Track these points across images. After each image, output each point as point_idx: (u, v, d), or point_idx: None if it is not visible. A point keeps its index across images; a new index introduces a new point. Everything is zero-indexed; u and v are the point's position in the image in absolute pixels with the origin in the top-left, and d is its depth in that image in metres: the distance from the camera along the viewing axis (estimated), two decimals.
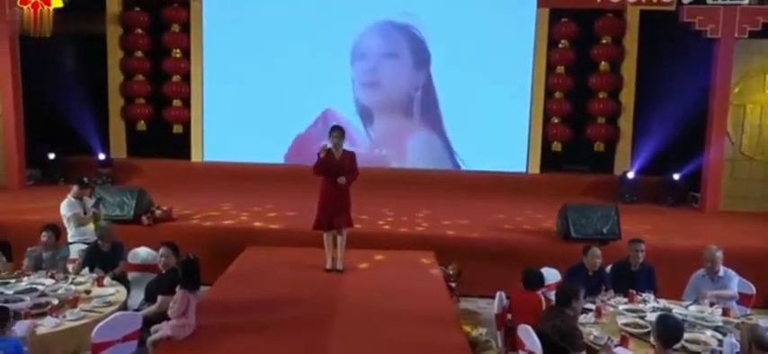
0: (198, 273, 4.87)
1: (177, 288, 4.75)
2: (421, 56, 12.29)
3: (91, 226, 6.82)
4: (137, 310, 5.19)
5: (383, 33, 12.30)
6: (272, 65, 12.10)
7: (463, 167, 12.40)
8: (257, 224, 8.40)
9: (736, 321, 4.92)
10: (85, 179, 7.27)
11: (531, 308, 4.84)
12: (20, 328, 4.23)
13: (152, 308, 5.11)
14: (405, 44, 12.30)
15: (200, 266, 4.93)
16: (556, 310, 4.52)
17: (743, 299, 5.71)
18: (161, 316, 4.91)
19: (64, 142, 11.92)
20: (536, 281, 5.21)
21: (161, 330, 4.71)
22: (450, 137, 12.37)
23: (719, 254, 5.66)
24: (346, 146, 6.67)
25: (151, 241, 6.59)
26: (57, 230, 6.18)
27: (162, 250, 5.45)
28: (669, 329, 3.95)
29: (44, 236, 6.02)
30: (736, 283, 5.65)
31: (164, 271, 5.40)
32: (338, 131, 6.49)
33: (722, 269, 5.67)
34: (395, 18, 12.23)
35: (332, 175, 6.44)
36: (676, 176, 11.22)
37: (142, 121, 12.78)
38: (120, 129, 12.77)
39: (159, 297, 5.12)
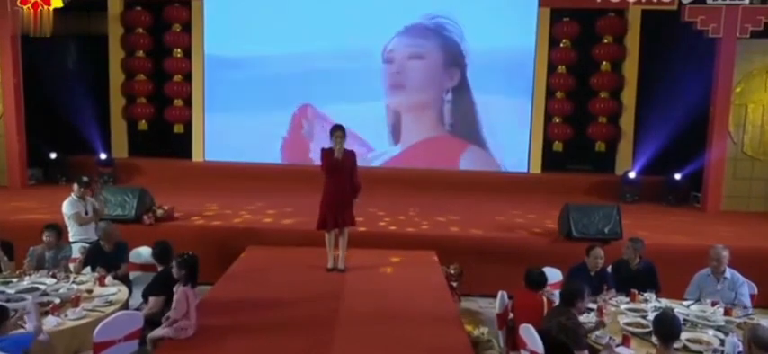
0: (196, 269, 4.87)
1: (176, 288, 4.75)
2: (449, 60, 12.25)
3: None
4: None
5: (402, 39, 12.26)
6: (274, 64, 12.10)
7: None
8: (259, 223, 8.40)
9: (737, 320, 4.92)
10: (85, 178, 7.27)
11: (533, 308, 4.84)
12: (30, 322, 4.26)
13: (143, 310, 5.10)
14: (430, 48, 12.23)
15: (197, 263, 4.94)
16: (561, 308, 4.52)
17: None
18: (154, 317, 4.93)
19: (65, 142, 11.93)
20: (539, 281, 5.20)
21: (163, 329, 4.70)
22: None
23: (726, 254, 5.62)
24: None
25: (153, 241, 6.54)
26: (58, 229, 6.18)
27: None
28: (665, 325, 3.96)
29: (47, 236, 6.01)
30: (747, 293, 5.61)
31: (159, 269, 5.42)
32: (340, 131, 6.43)
33: (728, 271, 5.64)
34: (400, 25, 12.20)
35: (334, 175, 6.42)
36: (678, 176, 11.20)
37: (143, 121, 12.79)
38: (122, 129, 12.78)
39: (151, 299, 5.15)
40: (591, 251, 5.77)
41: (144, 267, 6.34)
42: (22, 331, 4.20)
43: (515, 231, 8.44)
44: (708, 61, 10.55)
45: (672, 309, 5.07)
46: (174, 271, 4.89)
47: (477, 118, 12.19)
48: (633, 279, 5.73)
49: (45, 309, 4.67)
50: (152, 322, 4.87)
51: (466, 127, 12.25)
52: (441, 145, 12.32)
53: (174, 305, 4.71)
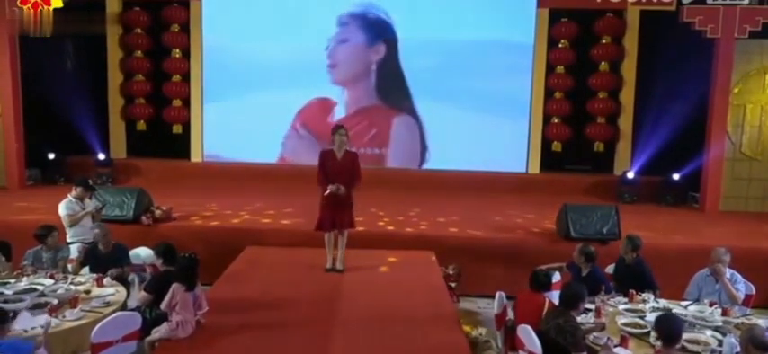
0: (193, 272, 4.87)
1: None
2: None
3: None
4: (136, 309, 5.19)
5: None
6: (272, 64, 12.10)
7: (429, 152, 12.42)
8: (257, 223, 8.40)
9: (735, 321, 4.92)
10: (90, 181, 7.21)
11: (534, 309, 4.83)
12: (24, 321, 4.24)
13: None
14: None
15: (196, 265, 4.95)
16: (559, 310, 4.53)
17: (743, 299, 5.70)
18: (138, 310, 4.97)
19: (64, 142, 11.93)
20: (544, 283, 5.20)
21: (160, 331, 4.72)
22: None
23: (727, 257, 5.62)
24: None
25: (151, 241, 6.58)
26: (55, 230, 6.15)
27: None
28: (666, 326, 3.98)
29: (48, 239, 6.00)
30: (743, 289, 5.62)
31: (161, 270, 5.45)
32: (343, 130, 6.41)
33: (729, 272, 5.64)
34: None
35: (334, 176, 6.36)
36: (676, 176, 11.21)
37: (142, 121, 12.78)
38: (120, 129, 12.77)
39: (142, 293, 5.25)
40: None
41: (142, 267, 6.35)
42: (20, 334, 4.18)
43: (514, 231, 8.43)
44: (706, 62, 10.55)
45: (670, 309, 5.09)
46: (159, 262, 5.04)
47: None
48: (626, 273, 5.86)
49: (42, 310, 4.68)
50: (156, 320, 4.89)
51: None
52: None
53: (167, 297, 4.73)
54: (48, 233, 6.03)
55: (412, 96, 12.32)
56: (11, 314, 4.29)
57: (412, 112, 12.34)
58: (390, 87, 12.30)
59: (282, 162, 12.44)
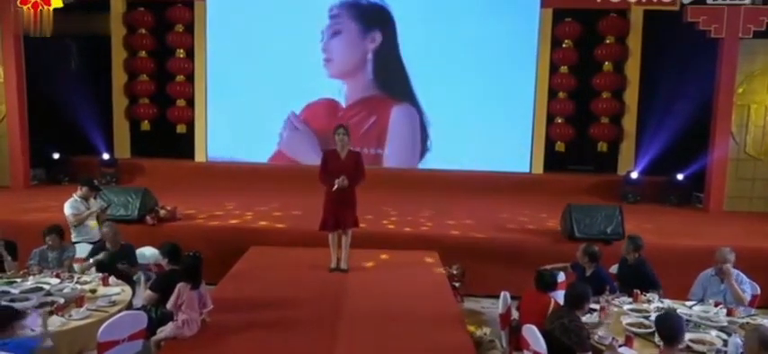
0: (198, 270, 4.89)
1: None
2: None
3: (95, 224, 6.84)
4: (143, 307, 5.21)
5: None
6: (276, 64, 12.13)
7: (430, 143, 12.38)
8: (261, 223, 8.41)
9: (740, 321, 4.92)
10: (95, 181, 7.22)
11: (539, 309, 4.83)
12: (32, 322, 4.26)
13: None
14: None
15: (200, 263, 4.97)
16: (564, 310, 4.53)
17: (749, 300, 5.69)
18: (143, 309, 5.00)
19: (68, 142, 11.97)
20: (549, 284, 5.19)
21: (165, 330, 4.73)
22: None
23: (732, 257, 5.62)
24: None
25: (156, 241, 6.60)
26: (60, 230, 6.17)
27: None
28: (667, 326, 3.96)
29: (49, 240, 6.01)
30: (748, 290, 5.61)
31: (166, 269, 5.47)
32: (343, 129, 6.43)
33: (734, 272, 5.64)
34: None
35: (338, 176, 6.36)
36: (680, 176, 11.20)
37: (146, 121, 12.82)
38: (125, 129, 12.81)
39: (147, 292, 5.32)
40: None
41: (148, 267, 6.37)
42: (27, 334, 4.20)
43: (517, 231, 8.44)
44: (710, 61, 10.54)
45: (675, 309, 5.09)
46: (165, 262, 5.10)
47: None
48: (629, 273, 5.86)
49: (49, 309, 4.69)
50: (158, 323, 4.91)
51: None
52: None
53: (172, 297, 4.75)
54: (48, 232, 6.05)
55: (412, 85, 12.28)
56: (17, 312, 4.30)
57: (412, 101, 12.31)
58: (388, 76, 12.28)
59: (279, 155, 12.42)
